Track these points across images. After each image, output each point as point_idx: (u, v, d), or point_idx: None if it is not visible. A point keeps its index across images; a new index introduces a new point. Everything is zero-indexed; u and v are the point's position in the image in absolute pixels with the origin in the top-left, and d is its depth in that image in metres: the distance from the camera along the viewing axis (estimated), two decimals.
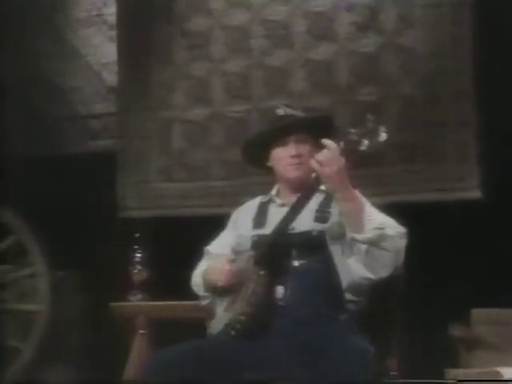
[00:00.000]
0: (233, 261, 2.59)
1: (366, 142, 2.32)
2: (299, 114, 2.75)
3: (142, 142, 4.81)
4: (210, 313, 2.69)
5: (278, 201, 2.72)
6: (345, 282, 2.48)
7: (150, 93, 4.83)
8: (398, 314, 2.63)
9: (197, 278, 2.74)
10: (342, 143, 2.36)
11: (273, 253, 2.51)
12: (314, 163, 2.38)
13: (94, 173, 4.75)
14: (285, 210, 2.59)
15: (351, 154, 2.36)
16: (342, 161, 2.35)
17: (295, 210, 2.50)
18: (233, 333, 2.45)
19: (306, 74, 4.48)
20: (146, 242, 4.17)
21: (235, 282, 2.53)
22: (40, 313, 4.62)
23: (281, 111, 2.72)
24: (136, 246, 4.16)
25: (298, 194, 2.56)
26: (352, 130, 2.35)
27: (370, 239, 2.37)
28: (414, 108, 4.24)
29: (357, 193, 2.48)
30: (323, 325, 2.42)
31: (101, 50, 5.06)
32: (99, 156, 4.89)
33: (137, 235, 4.16)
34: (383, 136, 2.33)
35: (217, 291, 2.61)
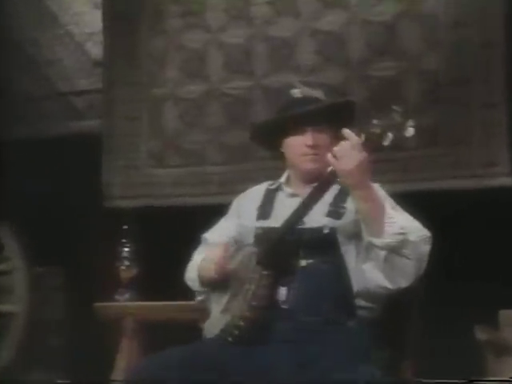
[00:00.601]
0: (233, 253, 2.52)
1: (390, 136, 2.26)
2: (318, 94, 2.64)
3: (131, 123, 4.75)
4: (205, 314, 2.63)
5: (288, 190, 2.65)
6: (356, 286, 2.43)
7: (140, 67, 4.78)
8: (415, 319, 2.60)
9: (192, 271, 2.68)
10: (363, 136, 2.29)
11: (278, 250, 2.45)
12: (330, 157, 2.32)
13: (77, 157, 4.68)
14: (295, 200, 2.54)
15: (372, 149, 2.29)
16: (363, 155, 2.29)
17: (308, 203, 2.43)
18: (230, 339, 2.41)
19: (314, 45, 4.42)
20: (135, 235, 4.11)
21: (231, 275, 2.48)
22: (16, 314, 4.57)
23: (297, 92, 2.63)
24: (124, 240, 4.08)
25: (311, 185, 2.50)
26: (375, 122, 2.28)
27: (390, 245, 2.31)
28: (436, 85, 4.17)
29: (377, 191, 2.41)
30: (329, 332, 2.37)
31: (84, 18, 4.99)
32: (82, 138, 4.80)
33: (125, 227, 4.09)
34: (410, 131, 2.26)
35: (212, 285, 2.55)
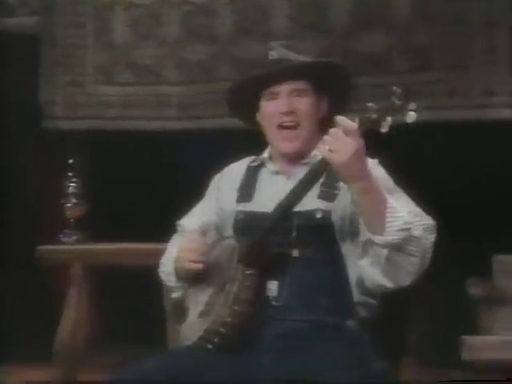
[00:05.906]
0: (212, 244, 2.56)
1: (389, 121, 2.27)
2: (300, 58, 2.65)
3: (74, 31, 4.75)
4: (181, 314, 2.65)
5: (272, 166, 2.70)
6: (354, 279, 2.51)
7: None
8: (417, 310, 2.77)
9: (167, 265, 2.71)
10: (357, 121, 2.30)
11: (263, 242, 2.49)
12: (320, 147, 2.33)
13: (8, 65, 4.63)
14: (279, 179, 2.63)
15: (367, 135, 2.30)
16: (359, 143, 2.30)
17: (301, 189, 2.44)
18: (210, 347, 2.45)
19: None
20: (82, 165, 4.11)
21: (211, 271, 2.51)
22: None
23: (274, 54, 2.66)
24: (69, 173, 4.09)
25: (297, 163, 2.60)
26: (371, 105, 2.30)
27: (393, 243, 2.35)
28: None
29: (376, 180, 2.39)
30: (326, 336, 2.44)
31: None
32: (15, 40, 4.72)
33: (70, 161, 4.08)
34: (412, 116, 2.27)
35: (190, 278, 2.59)
